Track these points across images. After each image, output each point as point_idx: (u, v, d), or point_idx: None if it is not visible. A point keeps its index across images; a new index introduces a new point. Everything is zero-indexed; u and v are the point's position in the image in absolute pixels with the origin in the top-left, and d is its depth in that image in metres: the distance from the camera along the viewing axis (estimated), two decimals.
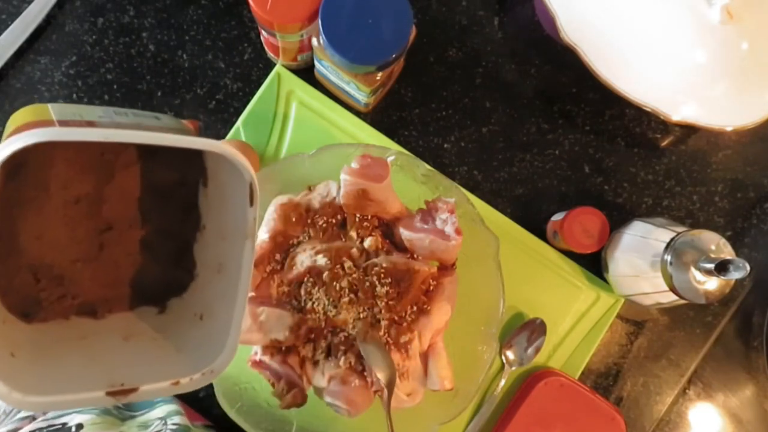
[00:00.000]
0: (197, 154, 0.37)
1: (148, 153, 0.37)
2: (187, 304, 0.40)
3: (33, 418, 0.49)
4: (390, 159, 0.53)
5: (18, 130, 0.29)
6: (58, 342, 0.36)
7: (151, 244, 0.40)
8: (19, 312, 0.36)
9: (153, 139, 0.30)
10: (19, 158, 0.27)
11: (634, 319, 0.64)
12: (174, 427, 0.50)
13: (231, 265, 0.36)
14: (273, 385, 0.50)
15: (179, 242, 0.40)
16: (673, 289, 0.52)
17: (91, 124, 0.32)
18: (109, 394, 0.31)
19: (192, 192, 0.40)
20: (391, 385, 0.48)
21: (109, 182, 0.38)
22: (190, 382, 0.33)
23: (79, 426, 0.47)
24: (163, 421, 0.51)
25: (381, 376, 0.48)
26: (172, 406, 0.54)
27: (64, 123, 0.31)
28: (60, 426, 0.47)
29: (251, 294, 0.52)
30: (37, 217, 0.36)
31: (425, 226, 0.52)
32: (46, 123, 0.31)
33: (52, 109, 0.35)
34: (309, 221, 0.54)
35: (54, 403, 0.31)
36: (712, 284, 0.51)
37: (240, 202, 0.34)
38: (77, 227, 0.37)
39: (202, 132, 0.62)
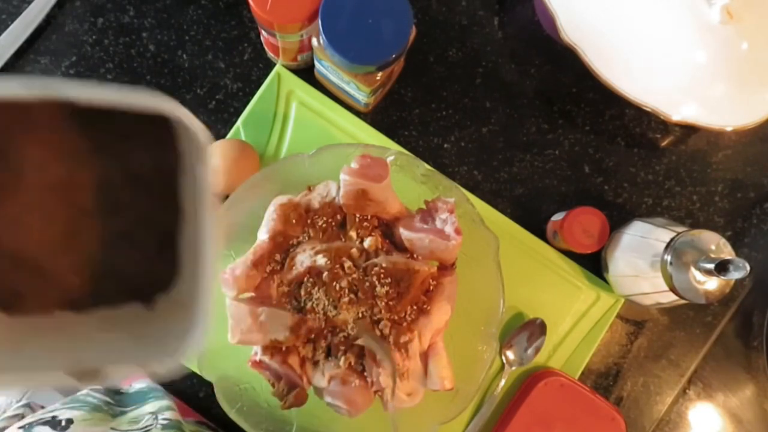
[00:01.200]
0: (169, 138, 0.35)
1: (123, 136, 0.36)
2: (174, 300, 0.38)
3: (22, 416, 0.49)
4: (390, 159, 0.53)
5: None
6: (35, 335, 0.35)
7: (131, 234, 0.38)
8: (1, 305, 0.35)
9: (89, 93, 0.27)
10: None
11: (634, 319, 0.64)
12: (165, 422, 0.50)
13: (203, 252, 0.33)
14: (273, 385, 0.50)
15: (161, 233, 0.39)
16: (673, 289, 0.52)
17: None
18: (71, 373, 0.30)
19: (172, 181, 0.38)
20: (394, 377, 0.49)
21: (85, 168, 0.37)
22: (157, 366, 0.31)
23: (69, 420, 0.47)
24: (154, 416, 0.51)
25: (388, 367, 0.48)
26: (164, 402, 0.54)
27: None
28: (50, 419, 0.47)
29: (251, 294, 0.52)
30: (11, 202, 0.35)
31: (425, 226, 0.52)
32: None
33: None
34: (309, 221, 0.54)
35: (12, 381, 0.30)
36: (712, 284, 0.51)
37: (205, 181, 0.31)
38: (54, 214, 0.36)
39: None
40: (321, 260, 0.50)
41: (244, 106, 0.61)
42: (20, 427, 0.46)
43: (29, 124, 0.27)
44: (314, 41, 0.52)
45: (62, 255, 0.37)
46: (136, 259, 0.39)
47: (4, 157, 0.34)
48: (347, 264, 0.51)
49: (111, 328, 0.37)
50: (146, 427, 0.49)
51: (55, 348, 0.34)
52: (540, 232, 0.63)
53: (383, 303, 0.50)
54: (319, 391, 0.51)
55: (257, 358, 0.50)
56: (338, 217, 0.54)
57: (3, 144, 0.33)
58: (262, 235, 0.52)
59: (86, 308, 0.38)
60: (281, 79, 0.61)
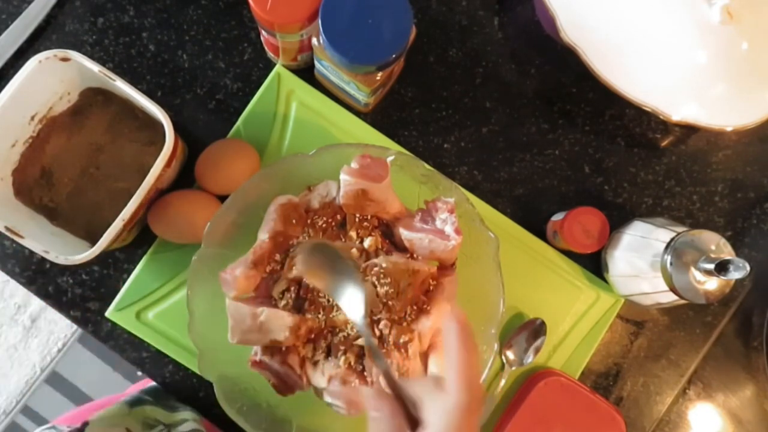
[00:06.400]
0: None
1: (139, 124, 0.57)
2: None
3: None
4: (390, 159, 0.53)
5: None
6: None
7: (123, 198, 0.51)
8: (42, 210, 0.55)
9: None
10: (83, 102, 0.55)
11: (634, 319, 0.64)
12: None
13: None
14: (273, 385, 0.50)
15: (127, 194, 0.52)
16: (673, 289, 0.52)
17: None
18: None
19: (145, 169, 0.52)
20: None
21: (114, 141, 0.57)
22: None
23: (85, 423, 0.48)
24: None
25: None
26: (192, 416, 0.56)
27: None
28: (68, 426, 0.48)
29: (251, 294, 0.52)
30: (65, 140, 0.56)
31: (425, 226, 0.52)
32: None
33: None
34: (309, 221, 0.54)
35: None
36: (712, 284, 0.51)
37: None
38: (79, 160, 0.56)
39: (203, 132, 0.62)
40: None
41: (244, 106, 0.61)
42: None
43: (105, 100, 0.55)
44: (314, 41, 0.52)
45: (74, 195, 0.57)
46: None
47: (83, 116, 0.57)
48: None
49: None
50: None
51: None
52: (540, 232, 0.63)
53: (383, 303, 0.50)
54: (319, 391, 0.51)
55: (257, 358, 0.50)
56: (338, 217, 0.54)
57: (86, 109, 0.56)
58: (262, 235, 0.52)
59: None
60: (281, 79, 0.61)
